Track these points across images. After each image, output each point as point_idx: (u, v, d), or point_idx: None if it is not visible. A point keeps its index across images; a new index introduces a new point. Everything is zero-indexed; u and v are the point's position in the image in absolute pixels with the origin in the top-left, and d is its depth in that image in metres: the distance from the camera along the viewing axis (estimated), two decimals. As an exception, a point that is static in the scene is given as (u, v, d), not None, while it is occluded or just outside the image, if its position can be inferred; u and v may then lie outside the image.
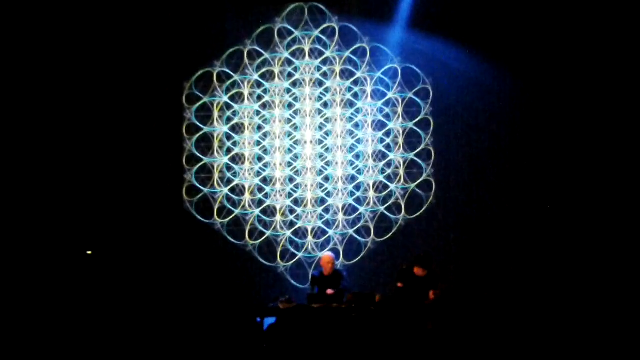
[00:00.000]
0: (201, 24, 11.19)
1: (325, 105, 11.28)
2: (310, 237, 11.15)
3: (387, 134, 11.20)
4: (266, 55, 11.24)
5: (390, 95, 11.19)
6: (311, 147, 11.23)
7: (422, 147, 11.12)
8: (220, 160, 11.24)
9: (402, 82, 11.18)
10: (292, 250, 11.13)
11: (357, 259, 11.08)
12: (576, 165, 10.90)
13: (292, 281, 11.04)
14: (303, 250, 11.13)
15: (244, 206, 11.18)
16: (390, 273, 10.56)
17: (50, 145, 11.04)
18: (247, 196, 11.19)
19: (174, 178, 11.22)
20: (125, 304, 10.72)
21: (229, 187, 11.20)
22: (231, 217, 11.16)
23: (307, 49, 11.27)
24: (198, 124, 11.22)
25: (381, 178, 11.18)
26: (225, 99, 11.24)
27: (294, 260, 11.12)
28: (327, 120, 11.26)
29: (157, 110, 11.22)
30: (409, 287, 9.31)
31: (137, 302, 10.78)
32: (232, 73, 11.26)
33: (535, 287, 10.64)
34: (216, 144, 11.22)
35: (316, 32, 11.24)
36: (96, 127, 11.14)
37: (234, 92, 11.27)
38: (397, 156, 11.17)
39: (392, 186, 11.14)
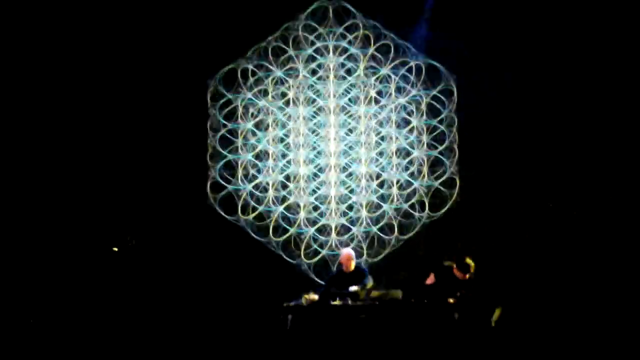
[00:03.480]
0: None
1: (350, 101, 11.29)
2: (333, 234, 11.16)
3: (411, 131, 11.15)
4: (290, 52, 11.29)
5: (414, 92, 11.15)
6: (335, 144, 11.23)
7: (446, 144, 11.09)
8: (244, 157, 11.30)
9: (427, 79, 11.12)
10: (316, 247, 11.14)
11: (381, 257, 11.06)
12: (605, 164, 10.75)
13: (316, 278, 11.01)
14: (327, 248, 11.14)
15: (267, 203, 11.21)
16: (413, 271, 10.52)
17: (74, 142, 11.18)
18: (270, 193, 11.22)
19: (197, 174, 11.24)
20: (147, 299, 10.81)
21: (252, 184, 11.27)
22: (255, 213, 11.20)
23: (331, 46, 11.28)
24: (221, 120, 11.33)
25: (405, 176, 11.15)
26: (249, 95, 11.30)
27: (317, 258, 11.12)
28: (351, 117, 11.27)
29: (180, 107, 11.28)
30: (443, 284, 9.11)
31: (158, 297, 10.85)
32: (256, 70, 11.33)
33: (563, 287, 10.47)
34: (240, 141, 11.29)
35: (340, 29, 11.23)
36: (120, 124, 11.24)
37: (256, 89, 11.33)
38: (421, 154, 11.13)
39: (415, 184, 11.11)
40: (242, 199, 11.21)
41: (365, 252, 11.02)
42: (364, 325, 8.82)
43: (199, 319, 10.58)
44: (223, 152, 11.28)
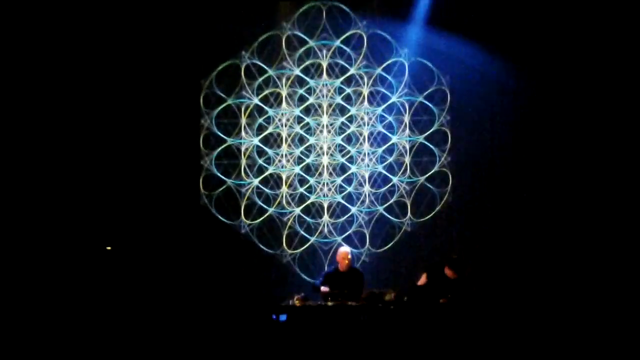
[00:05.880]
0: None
1: (347, 99, 11.17)
2: (326, 217, 11.09)
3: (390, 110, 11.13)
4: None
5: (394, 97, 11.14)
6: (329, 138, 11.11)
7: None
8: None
9: (418, 80, 11.07)
10: (303, 234, 11.04)
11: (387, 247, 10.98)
12: (597, 162, 10.78)
13: (303, 275, 10.93)
14: (317, 234, 11.04)
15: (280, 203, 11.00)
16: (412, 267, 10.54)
17: (66, 141, 11.07)
18: (284, 189, 10.93)
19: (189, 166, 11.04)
20: (136, 301, 10.77)
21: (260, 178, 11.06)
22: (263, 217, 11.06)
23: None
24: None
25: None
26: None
27: (304, 248, 10.99)
28: (348, 115, 11.16)
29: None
30: (435, 284, 9.15)
31: (148, 298, 10.80)
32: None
33: (557, 289, 10.48)
34: (243, 120, 10.72)
35: (338, 42, 11.10)
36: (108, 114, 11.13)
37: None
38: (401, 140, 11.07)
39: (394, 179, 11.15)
40: (245, 197, 11.05)
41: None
42: (359, 326, 8.86)
43: (193, 320, 10.56)
44: (221, 135, 10.86)
